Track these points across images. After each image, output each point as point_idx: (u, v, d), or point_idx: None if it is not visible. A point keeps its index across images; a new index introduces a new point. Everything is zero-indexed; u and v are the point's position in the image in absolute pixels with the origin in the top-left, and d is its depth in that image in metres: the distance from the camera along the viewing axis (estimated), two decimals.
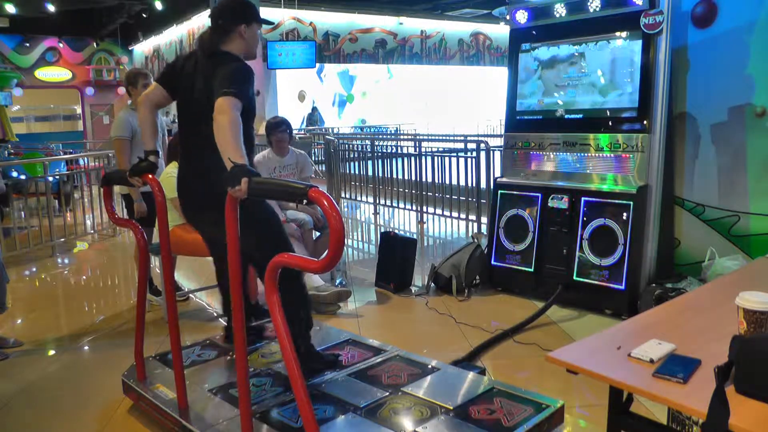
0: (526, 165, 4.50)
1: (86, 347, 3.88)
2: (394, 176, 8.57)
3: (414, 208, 7.89)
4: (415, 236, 6.26)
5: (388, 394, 2.64)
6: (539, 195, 4.32)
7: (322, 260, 1.77)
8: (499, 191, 4.59)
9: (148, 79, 4.30)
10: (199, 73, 2.57)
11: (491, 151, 6.59)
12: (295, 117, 16.10)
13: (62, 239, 6.75)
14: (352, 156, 9.66)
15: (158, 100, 2.72)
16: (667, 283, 3.81)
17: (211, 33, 2.60)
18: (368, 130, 17.02)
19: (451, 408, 2.49)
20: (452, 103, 18.82)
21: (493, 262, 4.56)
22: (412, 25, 17.10)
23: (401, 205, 8.23)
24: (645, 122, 3.88)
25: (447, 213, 7.36)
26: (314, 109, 17.20)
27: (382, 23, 16.61)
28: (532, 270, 4.30)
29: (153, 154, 2.67)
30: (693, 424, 2.03)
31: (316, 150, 12.43)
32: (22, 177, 7.51)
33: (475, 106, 18.64)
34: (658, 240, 3.96)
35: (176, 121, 2.85)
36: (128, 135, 4.26)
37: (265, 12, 12.68)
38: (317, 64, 15.11)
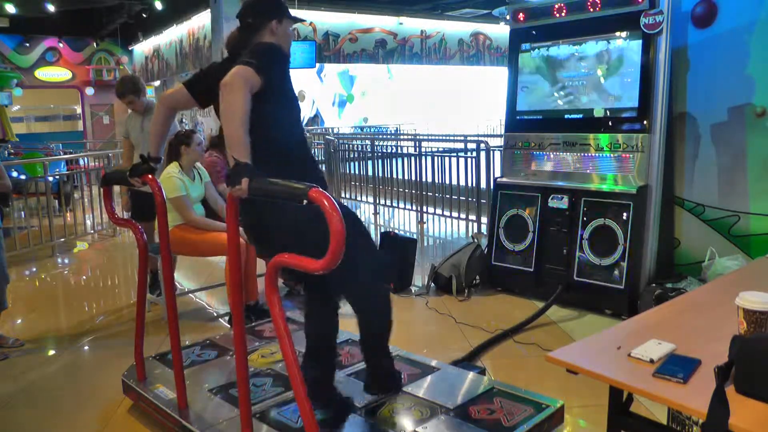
0: (526, 165, 4.50)
1: (86, 347, 3.89)
2: (394, 176, 8.57)
3: (414, 208, 7.89)
4: (415, 236, 6.25)
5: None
6: (539, 195, 4.32)
7: (322, 260, 1.77)
8: (499, 191, 4.59)
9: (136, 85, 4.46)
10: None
11: (491, 151, 6.59)
12: None
13: (62, 239, 6.75)
14: (352, 156, 9.66)
15: (177, 102, 2.56)
16: (667, 283, 3.81)
17: (240, 33, 2.41)
18: (368, 130, 17.01)
19: (451, 408, 2.49)
20: (452, 103, 18.81)
21: (493, 262, 4.56)
22: (412, 25, 17.08)
23: (401, 205, 8.23)
24: (645, 122, 3.88)
25: (447, 213, 7.36)
26: (317, 114, 17.23)
27: (382, 23, 16.59)
28: (532, 270, 4.30)
29: (154, 160, 2.59)
30: (693, 424, 2.03)
31: (316, 150, 12.42)
32: (22, 177, 7.51)
33: (475, 106, 18.63)
34: (658, 240, 3.96)
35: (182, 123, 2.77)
36: (124, 135, 4.57)
37: None
38: (317, 64, 15.10)
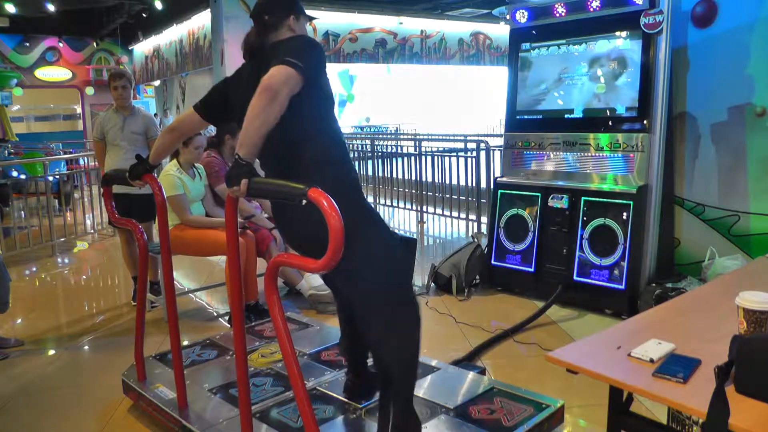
0: (526, 165, 4.50)
1: (86, 347, 3.88)
2: (394, 176, 8.57)
3: (414, 208, 7.89)
4: (415, 236, 6.25)
5: None
6: (539, 195, 4.31)
7: (321, 260, 1.77)
8: (499, 191, 4.59)
9: (116, 81, 4.36)
10: (251, 83, 2.02)
11: (491, 151, 6.59)
12: None
13: (62, 239, 6.75)
14: (352, 156, 9.64)
15: (188, 129, 2.53)
16: (667, 283, 3.81)
17: (257, 33, 2.28)
18: (368, 129, 17.01)
19: (451, 408, 2.49)
20: (452, 103, 18.81)
21: (493, 262, 4.56)
22: (412, 25, 17.06)
23: (401, 205, 8.23)
24: (645, 122, 3.88)
25: (447, 213, 7.36)
26: None
27: (382, 23, 16.58)
28: (532, 270, 4.30)
29: (152, 167, 2.57)
30: (693, 424, 2.03)
31: None
32: (22, 177, 7.52)
33: (476, 106, 18.63)
34: (658, 240, 3.96)
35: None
36: (98, 137, 4.43)
37: None
38: None
